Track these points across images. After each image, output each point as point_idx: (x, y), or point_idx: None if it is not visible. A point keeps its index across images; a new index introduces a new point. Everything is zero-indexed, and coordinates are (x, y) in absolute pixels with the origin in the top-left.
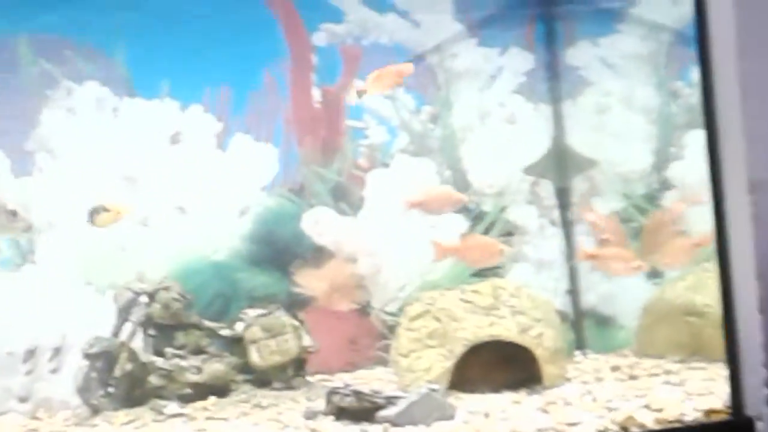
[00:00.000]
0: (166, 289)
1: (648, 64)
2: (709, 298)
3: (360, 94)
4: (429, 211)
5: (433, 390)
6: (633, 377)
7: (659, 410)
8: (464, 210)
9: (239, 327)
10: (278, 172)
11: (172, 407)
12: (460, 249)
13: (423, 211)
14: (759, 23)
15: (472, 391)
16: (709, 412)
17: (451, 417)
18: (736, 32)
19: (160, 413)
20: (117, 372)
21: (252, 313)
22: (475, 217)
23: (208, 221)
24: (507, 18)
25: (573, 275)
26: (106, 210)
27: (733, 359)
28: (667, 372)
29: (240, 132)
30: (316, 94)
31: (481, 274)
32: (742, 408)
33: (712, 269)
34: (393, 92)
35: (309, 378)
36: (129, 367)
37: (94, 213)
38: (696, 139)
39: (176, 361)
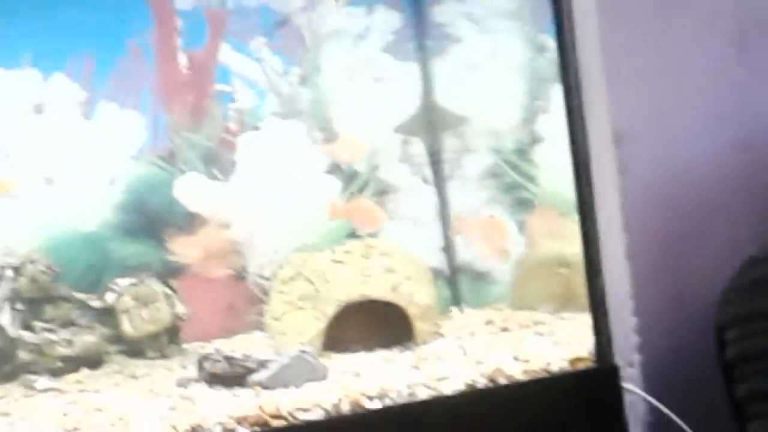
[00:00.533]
0: (33, 262)
1: (514, 19)
2: (579, 249)
3: None
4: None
5: (305, 352)
6: (505, 330)
7: (526, 361)
8: (336, 170)
9: (110, 297)
10: (147, 140)
11: (43, 382)
12: (350, 211)
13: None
14: None
15: (345, 351)
16: (575, 361)
17: (323, 378)
18: None
19: (31, 388)
20: None
21: (123, 282)
22: (348, 177)
23: (77, 192)
24: None
25: (446, 232)
26: None
27: (597, 308)
28: (538, 323)
29: (105, 100)
30: (182, 58)
31: (355, 235)
32: (606, 356)
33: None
34: (259, 53)
35: (185, 346)
36: None
37: None
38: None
39: (46, 335)
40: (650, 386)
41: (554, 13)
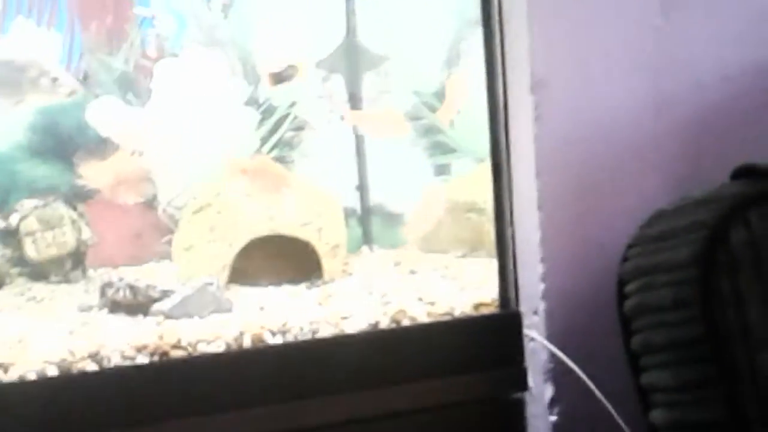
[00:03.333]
0: None
1: None
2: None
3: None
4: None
5: (210, 284)
6: (413, 272)
7: (431, 304)
8: (254, 103)
9: (14, 219)
10: (62, 59)
11: None
12: (249, 171)
13: None
14: None
15: (252, 284)
16: (478, 306)
17: (227, 310)
18: None
19: None
20: None
21: (28, 204)
22: (265, 110)
23: None
24: None
25: (361, 171)
26: None
27: (504, 254)
28: (446, 267)
29: (21, 15)
30: None
31: None
32: (510, 302)
33: None
34: None
35: (90, 272)
36: None
37: None
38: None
39: None
40: (553, 334)
41: None
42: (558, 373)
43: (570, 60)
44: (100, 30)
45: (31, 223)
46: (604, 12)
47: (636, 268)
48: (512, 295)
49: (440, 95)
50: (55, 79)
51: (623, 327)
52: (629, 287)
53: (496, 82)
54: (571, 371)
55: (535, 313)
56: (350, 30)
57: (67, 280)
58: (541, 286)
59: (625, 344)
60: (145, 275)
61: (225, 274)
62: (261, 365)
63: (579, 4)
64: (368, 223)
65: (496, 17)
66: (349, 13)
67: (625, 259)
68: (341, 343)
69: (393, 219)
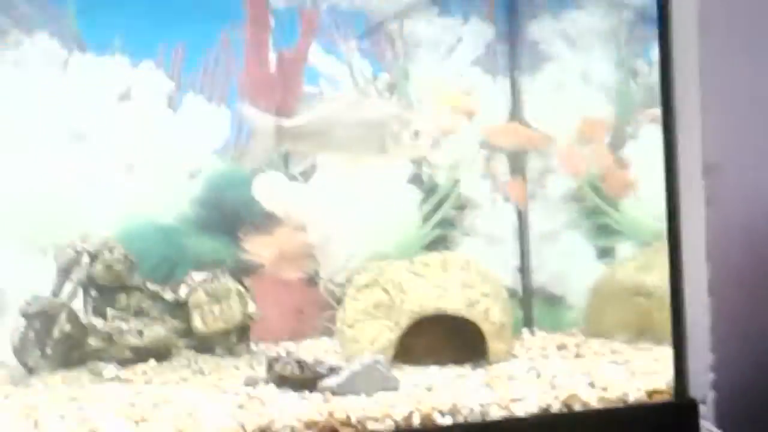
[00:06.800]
0: (110, 249)
1: (608, 41)
2: (659, 279)
3: None
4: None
5: (377, 361)
6: (579, 356)
7: (603, 389)
8: (418, 180)
9: (183, 291)
10: (230, 136)
11: (111, 370)
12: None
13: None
14: (721, 2)
15: (417, 363)
16: (653, 393)
17: (394, 388)
18: (698, 12)
19: (99, 375)
20: (55, 333)
21: (197, 277)
22: (429, 189)
23: (157, 182)
24: None
25: (524, 252)
26: None
27: (679, 341)
28: (614, 351)
29: (193, 92)
30: (272, 57)
31: (432, 247)
32: (685, 390)
33: (662, 250)
34: (350, 57)
35: (253, 346)
36: (68, 328)
37: None
38: (652, 119)
39: (117, 323)
40: (720, 424)
41: (659, 38)
42: None
43: (742, 144)
44: (269, 107)
45: (199, 296)
46: None
47: None
48: (689, 384)
49: (605, 177)
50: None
51: None
52: None
53: (671, 165)
54: None
55: (703, 402)
56: (516, 109)
57: (231, 354)
58: (711, 376)
59: None
60: (307, 351)
61: (391, 352)
62: None
63: (751, 87)
64: (530, 304)
65: (672, 100)
66: (515, 92)
67: None
68: (513, 426)
69: (555, 301)
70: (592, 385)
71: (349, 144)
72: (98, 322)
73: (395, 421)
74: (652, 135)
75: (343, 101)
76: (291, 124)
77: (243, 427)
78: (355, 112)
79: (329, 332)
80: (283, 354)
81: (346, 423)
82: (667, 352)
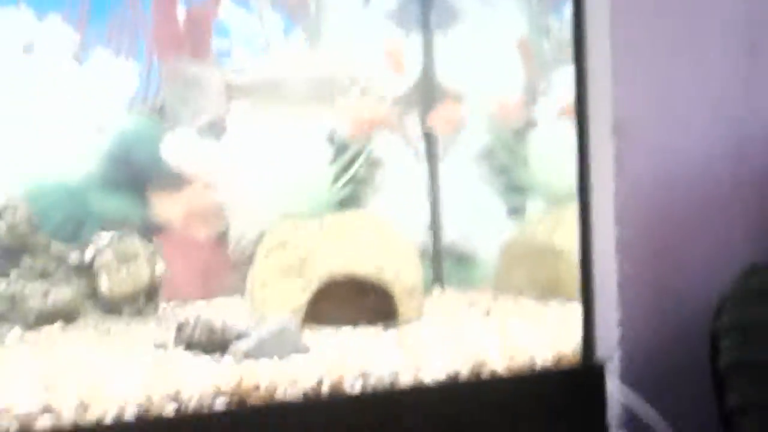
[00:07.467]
0: (14, 209)
1: None
2: (568, 238)
3: None
4: None
5: (287, 323)
6: (489, 314)
7: (512, 353)
8: (330, 139)
9: (90, 252)
10: (139, 91)
11: (15, 333)
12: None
13: None
14: None
15: (327, 324)
16: (560, 357)
17: (305, 350)
18: None
19: (1, 341)
20: None
21: (104, 237)
22: (340, 147)
23: (63, 138)
24: None
25: (434, 211)
26: None
27: (587, 300)
28: (523, 309)
29: (100, 45)
30: (181, 12)
31: (344, 205)
32: (593, 353)
33: (572, 210)
34: (261, 9)
35: (163, 305)
36: None
37: None
38: (562, 76)
39: (21, 285)
40: (628, 380)
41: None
42: (630, 419)
43: (654, 105)
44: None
45: (106, 257)
46: (690, 58)
47: (730, 324)
48: (596, 341)
49: (517, 134)
50: None
51: (715, 382)
52: (723, 342)
53: (582, 124)
54: (642, 416)
55: (610, 360)
56: (428, 67)
57: (140, 315)
58: (618, 332)
59: (717, 400)
60: (218, 310)
61: (301, 314)
62: (339, 414)
63: (664, 49)
64: (440, 263)
65: (585, 59)
66: (427, 49)
67: (717, 315)
68: (422, 394)
69: (465, 259)
70: (500, 347)
71: (297, 100)
72: (1, 285)
73: (304, 388)
74: (562, 92)
75: (292, 57)
76: (241, 81)
77: (150, 397)
78: (304, 68)
79: (240, 291)
80: (192, 318)
81: (255, 388)
82: (575, 310)
